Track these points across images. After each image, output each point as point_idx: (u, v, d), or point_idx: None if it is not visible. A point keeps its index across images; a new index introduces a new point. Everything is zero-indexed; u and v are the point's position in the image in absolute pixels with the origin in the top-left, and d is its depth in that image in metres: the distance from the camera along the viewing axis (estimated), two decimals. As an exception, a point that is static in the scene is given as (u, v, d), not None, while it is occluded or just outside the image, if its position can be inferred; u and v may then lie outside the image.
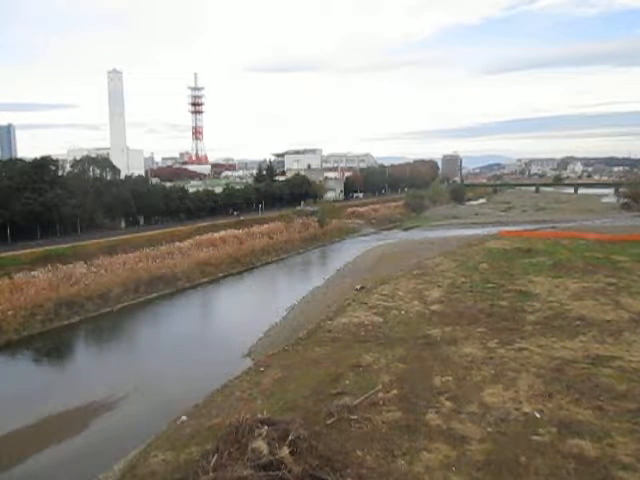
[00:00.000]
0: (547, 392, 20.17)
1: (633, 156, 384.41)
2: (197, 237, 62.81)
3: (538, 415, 18.29)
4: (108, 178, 74.41)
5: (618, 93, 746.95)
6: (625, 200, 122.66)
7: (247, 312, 42.00)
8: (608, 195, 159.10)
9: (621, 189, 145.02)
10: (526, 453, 15.91)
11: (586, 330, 28.27)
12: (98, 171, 73.93)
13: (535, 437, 16.85)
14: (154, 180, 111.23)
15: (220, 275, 53.96)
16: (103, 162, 77.65)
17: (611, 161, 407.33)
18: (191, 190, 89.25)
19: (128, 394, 25.13)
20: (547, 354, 24.55)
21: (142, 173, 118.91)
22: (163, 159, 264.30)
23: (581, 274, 42.49)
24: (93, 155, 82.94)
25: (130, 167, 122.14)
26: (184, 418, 21.03)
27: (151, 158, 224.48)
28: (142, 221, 75.55)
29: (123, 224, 71.91)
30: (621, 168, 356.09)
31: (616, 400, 19.25)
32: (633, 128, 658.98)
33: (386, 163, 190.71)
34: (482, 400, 19.75)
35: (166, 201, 76.94)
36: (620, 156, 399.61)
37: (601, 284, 38.71)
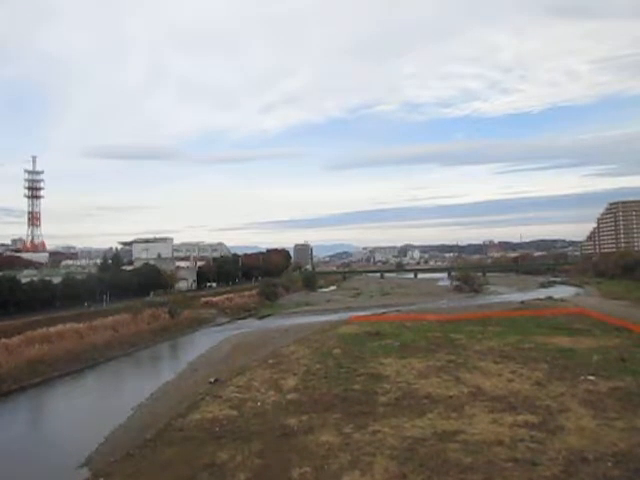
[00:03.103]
0: (401, 473, 20.45)
1: (460, 243, 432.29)
2: (29, 332, 56.32)
3: (394, 498, 18.36)
4: None
5: (444, 189, 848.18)
6: (457, 283, 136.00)
7: (87, 414, 37.78)
8: (443, 279, 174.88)
9: (453, 273, 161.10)
10: (385, 540, 15.71)
11: (433, 407, 29.66)
12: None
13: (392, 521, 16.80)
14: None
15: (56, 374, 48.35)
16: None
17: (443, 248, 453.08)
18: (24, 280, 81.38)
19: None
20: (399, 434, 25.15)
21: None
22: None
23: (424, 353, 45.20)
24: None
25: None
26: None
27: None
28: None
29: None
30: (452, 254, 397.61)
31: (463, 473, 20.10)
32: (458, 219, 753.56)
33: (239, 252, 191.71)
34: (340, 489, 19.41)
35: (-8, 293, 68.95)
36: (450, 243, 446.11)
37: (442, 362, 41.39)
